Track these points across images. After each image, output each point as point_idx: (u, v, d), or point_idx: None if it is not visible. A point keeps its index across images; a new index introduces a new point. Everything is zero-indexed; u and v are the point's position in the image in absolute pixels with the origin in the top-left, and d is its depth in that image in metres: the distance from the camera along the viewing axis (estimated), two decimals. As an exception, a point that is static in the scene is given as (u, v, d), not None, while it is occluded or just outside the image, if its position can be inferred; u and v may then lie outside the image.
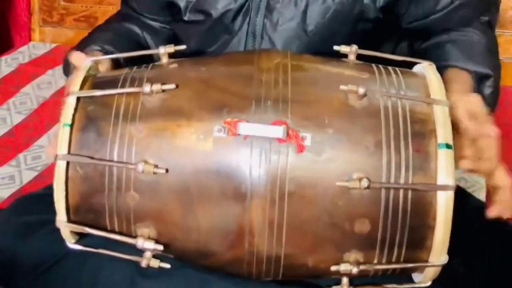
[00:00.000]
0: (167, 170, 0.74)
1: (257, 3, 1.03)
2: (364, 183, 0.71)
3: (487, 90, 0.99)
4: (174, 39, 1.13)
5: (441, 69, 0.96)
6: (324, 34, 1.03)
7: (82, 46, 1.07)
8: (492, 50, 1.06)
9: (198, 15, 1.07)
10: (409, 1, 1.04)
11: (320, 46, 1.01)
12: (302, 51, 1.01)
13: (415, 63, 0.85)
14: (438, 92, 0.77)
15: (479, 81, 0.99)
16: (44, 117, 1.66)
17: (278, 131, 0.73)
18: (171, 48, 0.84)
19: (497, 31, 1.16)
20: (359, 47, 0.84)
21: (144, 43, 1.14)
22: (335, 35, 1.02)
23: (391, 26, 1.09)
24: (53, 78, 1.82)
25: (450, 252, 0.76)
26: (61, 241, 0.81)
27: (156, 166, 0.74)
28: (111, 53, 1.04)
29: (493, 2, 1.13)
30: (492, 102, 1.00)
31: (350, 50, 0.83)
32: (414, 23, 1.07)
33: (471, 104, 0.83)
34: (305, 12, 1.02)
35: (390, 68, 0.83)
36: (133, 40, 1.13)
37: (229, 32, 1.05)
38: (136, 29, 1.15)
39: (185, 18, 1.08)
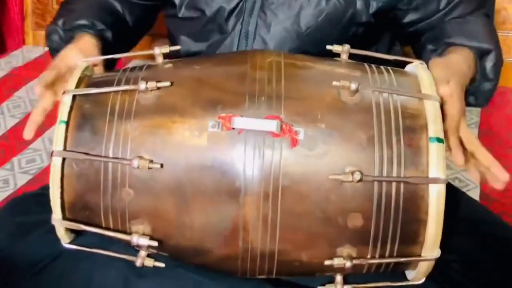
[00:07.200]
0: (162, 165, 0.74)
1: (251, 4, 1.04)
2: (357, 176, 0.72)
3: (489, 64, 1.00)
4: (146, 17, 1.15)
5: (441, 47, 0.98)
6: (316, 36, 1.04)
7: (68, 18, 1.04)
8: (491, 29, 1.07)
9: (192, 12, 1.08)
10: (407, 9, 1.05)
11: (312, 48, 1.02)
12: (294, 52, 1.02)
13: (407, 63, 0.86)
14: (429, 90, 0.78)
15: (481, 56, 1.00)
16: (38, 120, 1.66)
17: (272, 125, 0.74)
18: (166, 49, 0.85)
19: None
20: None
21: (122, 15, 1.11)
22: (326, 37, 1.02)
23: (382, 30, 1.10)
24: (47, 81, 1.82)
25: (444, 249, 0.77)
26: (56, 241, 0.81)
27: (151, 161, 0.74)
28: (101, 30, 1.03)
29: None
30: (494, 76, 1.01)
31: (342, 50, 0.85)
32: (416, 26, 1.07)
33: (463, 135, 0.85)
34: (298, 14, 1.04)
35: (382, 67, 0.84)
36: (113, 13, 1.10)
37: (222, 32, 1.06)
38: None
39: (180, 14, 1.09)
